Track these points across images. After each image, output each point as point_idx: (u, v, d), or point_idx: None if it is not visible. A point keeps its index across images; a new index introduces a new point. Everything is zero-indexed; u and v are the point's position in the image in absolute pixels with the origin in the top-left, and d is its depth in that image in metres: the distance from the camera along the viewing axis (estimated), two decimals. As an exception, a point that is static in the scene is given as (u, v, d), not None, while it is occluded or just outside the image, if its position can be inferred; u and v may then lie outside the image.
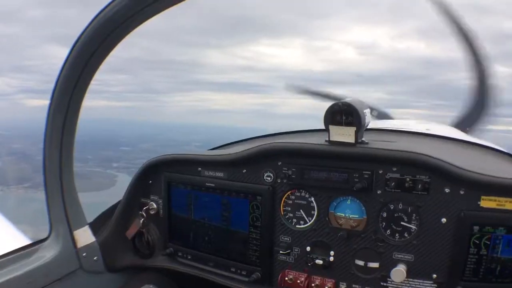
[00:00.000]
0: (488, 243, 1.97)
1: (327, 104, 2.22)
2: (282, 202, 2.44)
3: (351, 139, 2.17)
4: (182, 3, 1.85)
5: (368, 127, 2.25)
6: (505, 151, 3.05)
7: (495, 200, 1.96)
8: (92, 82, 2.20)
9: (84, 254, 2.52)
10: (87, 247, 2.54)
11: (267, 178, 2.45)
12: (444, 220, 2.05)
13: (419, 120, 6.02)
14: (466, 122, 7.62)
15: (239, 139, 3.28)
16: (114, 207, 2.88)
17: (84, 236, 2.53)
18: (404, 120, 6.35)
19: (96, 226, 2.72)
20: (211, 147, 3.21)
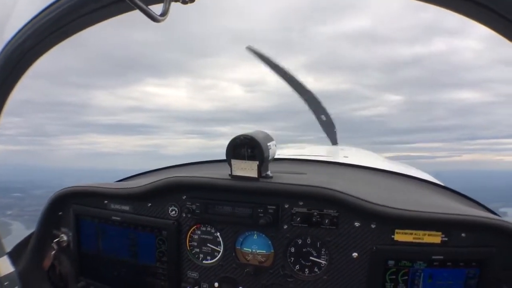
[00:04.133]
0: (406, 277, 1.88)
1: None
2: (188, 237, 2.37)
3: (254, 174, 2.11)
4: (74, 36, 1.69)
5: (281, 156, 2.24)
6: (429, 179, 3.03)
7: (411, 234, 1.87)
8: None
9: (6, 283, 2.46)
10: (7, 277, 2.45)
11: (171, 212, 2.38)
12: (355, 254, 1.98)
13: (341, 146, 5.92)
14: None
15: (147, 170, 3.33)
16: (31, 236, 2.81)
17: (4, 266, 2.43)
18: (324, 147, 6.21)
19: (15, 255, 2.63)
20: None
